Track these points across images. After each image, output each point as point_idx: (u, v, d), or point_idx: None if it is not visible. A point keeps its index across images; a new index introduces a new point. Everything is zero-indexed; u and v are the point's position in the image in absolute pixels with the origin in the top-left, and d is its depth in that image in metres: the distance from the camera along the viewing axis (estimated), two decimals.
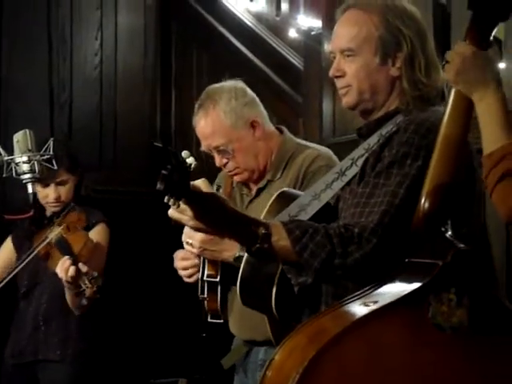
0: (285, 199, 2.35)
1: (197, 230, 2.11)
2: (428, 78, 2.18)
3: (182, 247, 2.92)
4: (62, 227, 3.60)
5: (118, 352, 4.88)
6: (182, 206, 2.00)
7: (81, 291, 3.46)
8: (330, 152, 2.95)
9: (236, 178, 2.97)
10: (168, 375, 4.65)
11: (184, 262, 2.87)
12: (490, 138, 1.89)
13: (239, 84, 2.98)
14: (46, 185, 3.70)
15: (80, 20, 5.26)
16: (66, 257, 3.46)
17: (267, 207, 2.40)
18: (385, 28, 2.17)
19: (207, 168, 3.10)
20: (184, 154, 2.05)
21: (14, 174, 3.26)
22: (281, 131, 3.02)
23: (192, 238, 2.69)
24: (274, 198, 2.41)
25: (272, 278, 2.21)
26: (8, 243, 3.87)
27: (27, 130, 3.27)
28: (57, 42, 5.16)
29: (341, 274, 2.04)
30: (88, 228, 3.70)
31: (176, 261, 2.90)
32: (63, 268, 3.43)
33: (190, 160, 2.02)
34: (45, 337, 3.68)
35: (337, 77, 2.24)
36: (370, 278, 1.96)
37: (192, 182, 1.98)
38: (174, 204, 1.96)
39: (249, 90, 2.99)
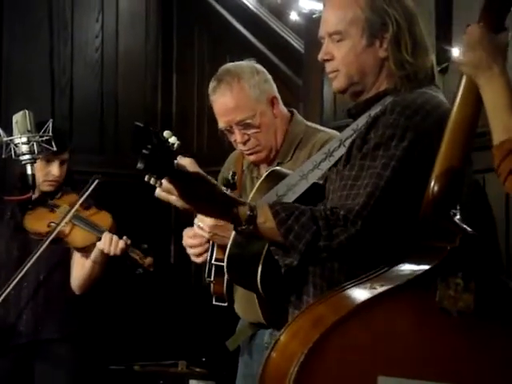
0: (274, 178, 2.36)
1: (185, 210, 2.09)
2: (414, 58, 2.18)
3: (182, 230, 2.92)
4: (74, 207, 3.62)
5: (118, 333, 4.90)
6: (168, 185, 2.01)
7: (133, 262, 3.55)
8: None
9: (252, 158, 2.95)
10: (169, 358, 4.67)
11: (193, 240, 2.85)
12: (499, 127, 1.84)
13: (254, 63, 3.00)
14: (48, 161, 3.68)
15: (81, 2, 5.24)
16: (107, 233, 3.53)
17: (256, 186, 2.41)
18: (371, 9, 2.18)
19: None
20: (166, 133, 2.04)
21: (13, 155, 3.24)
22: (292, 113, 3.02)
23: (203, 221, 2.69)
24: (263, 176, 2.43)
25: (258, 257, 2.22)
26: None
27: (26, 111, 3.23)
28: (58, 24, 5.14)
29: (326, 257, 2.04)
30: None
31: (184, 238, 2.88)
32: (109, 242, 3.50)
33: (173, 140, 2.01)
34: (44, 316, 3.66)
35: (325, 60, 2.25)
36: (363, 261, 1.97)
37: (177, 161, 1.98)
38: (155, 183, 1.97)
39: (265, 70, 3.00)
